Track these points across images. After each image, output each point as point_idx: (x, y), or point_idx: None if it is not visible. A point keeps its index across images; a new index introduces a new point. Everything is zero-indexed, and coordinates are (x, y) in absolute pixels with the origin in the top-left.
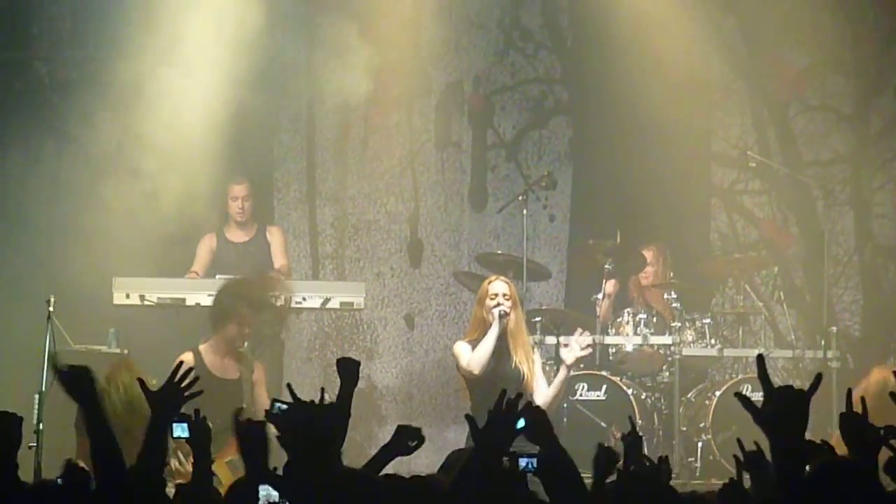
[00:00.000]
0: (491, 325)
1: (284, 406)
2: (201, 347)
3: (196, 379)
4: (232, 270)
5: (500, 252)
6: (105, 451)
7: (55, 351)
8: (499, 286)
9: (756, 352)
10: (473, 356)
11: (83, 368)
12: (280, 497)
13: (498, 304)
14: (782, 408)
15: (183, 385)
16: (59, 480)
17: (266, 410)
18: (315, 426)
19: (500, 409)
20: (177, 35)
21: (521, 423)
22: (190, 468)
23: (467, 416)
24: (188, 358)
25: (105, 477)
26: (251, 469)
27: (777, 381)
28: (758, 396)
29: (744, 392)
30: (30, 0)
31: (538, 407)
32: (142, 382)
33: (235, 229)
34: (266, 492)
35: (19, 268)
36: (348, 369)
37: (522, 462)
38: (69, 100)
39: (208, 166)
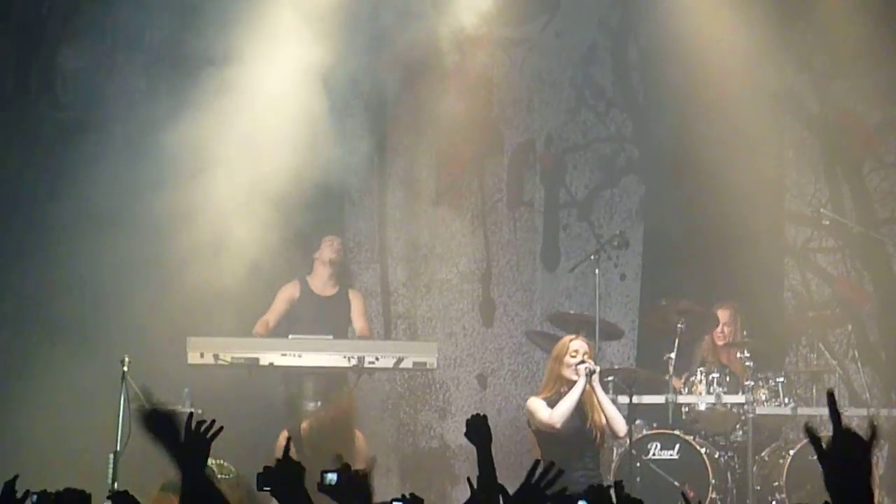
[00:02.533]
0: (569, 381)
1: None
2: (302, 425)
3: (212, 425)
4: (310, 324)
5: (572, 311)
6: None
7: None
8: (580, 345)
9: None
10: (557, 410)
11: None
12: None
13: (582, 362)
14: (845, 448)
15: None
16: None
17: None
18: None
19: (533, 479)
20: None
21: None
22: None
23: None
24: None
25: None
26: None
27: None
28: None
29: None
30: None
31: (600, 486)
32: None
33: (321, 281)
34: None
35: (94, 328)
36: (478, 429)
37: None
38: (139, 160)
39: (280, 222)
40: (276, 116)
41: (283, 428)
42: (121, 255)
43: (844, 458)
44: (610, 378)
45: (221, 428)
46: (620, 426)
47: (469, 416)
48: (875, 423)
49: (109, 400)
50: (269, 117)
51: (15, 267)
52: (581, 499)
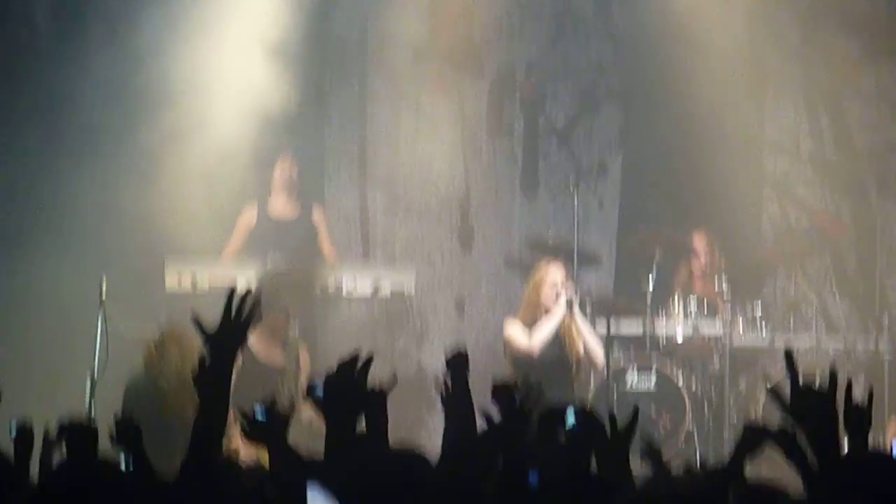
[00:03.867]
0: (547, 308)
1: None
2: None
3: (256, 304)
4: (274, 251)
5: (550, 238)
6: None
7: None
8: (557, 274)
9: (806, 341)
10: (535, 338)
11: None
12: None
13: (558, 295)
14: (808, 403)
15: (243, 316)
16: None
17: (307, 390)
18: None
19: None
20: (226, 14)
21: (570, 420)
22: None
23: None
24: None
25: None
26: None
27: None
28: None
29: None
30: None
31: (591, 412)
32: (197, 322)
33: (280, 203)
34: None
35: (72, 248)
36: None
37: (569, 419)
38: (123, 85)
39: (258, 148)
40: (258, 40)
41: None
42: (102, 173)
43: (808, 415)
44: (587, 306)
45: (258, 316)
46: (599, 356)
47: (450, 353)
48: (833, 370)
49: (88, 320)
50: (252, 42)
51: None
52: (570, 411)
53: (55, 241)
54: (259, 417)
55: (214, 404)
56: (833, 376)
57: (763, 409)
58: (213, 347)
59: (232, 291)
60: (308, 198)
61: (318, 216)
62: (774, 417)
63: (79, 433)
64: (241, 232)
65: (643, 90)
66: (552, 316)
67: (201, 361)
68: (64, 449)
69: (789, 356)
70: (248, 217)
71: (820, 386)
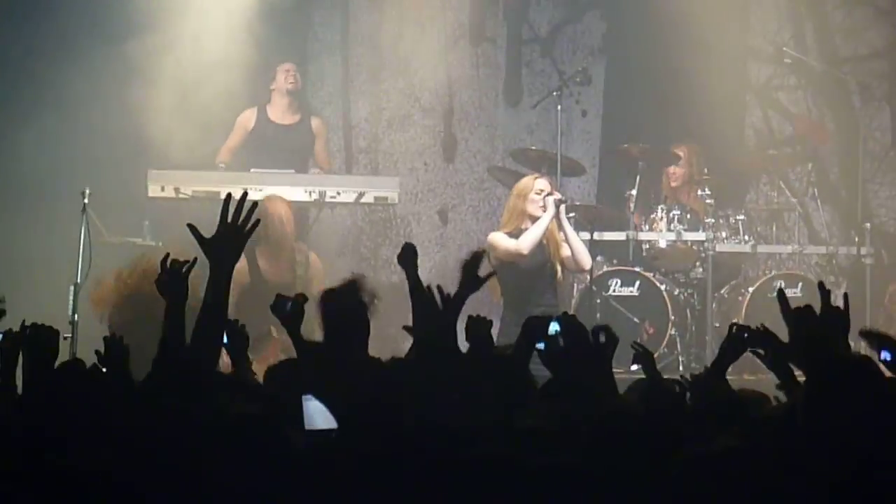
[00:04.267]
0: (532, 217)
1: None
2: (257, 249)
3: (253, 209)
4: (271, 153)
5: (534, 147)
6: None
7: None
8: (544, 183)
9: (789, 248)
10: (525, 237)
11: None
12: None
13: (550, 194)
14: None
15: (241, 222)
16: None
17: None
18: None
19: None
20: None
21: (554, 328)
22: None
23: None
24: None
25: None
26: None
27: (811, 277)
28: (791, 293)
29: (778, 288)
30: None
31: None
32: (192, 227)
33: (280, 109)
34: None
35: (55, 161)
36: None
37: (552, 328)
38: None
39: (242, 58)
40: None
41: None
42: (84, 85)
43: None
44: (572, 215)
45: (258, 221)
46: (586, 259)
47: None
48: (824, 288)
49: (70, 232)
50: None
51: None
52: (554, 321)
53: (38, 153)
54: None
55: (178, 306)
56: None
57: (745, 314)
58: (214, 252)
59: (229, 196)
60: (309, 107)
61: (317, 125)
62: (755, 323)
63: (42, 336)
64: (239, 132)
65: None
66: (542, 218)
67: (163, 265)
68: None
69: (781, 296)
70: (247, 118)
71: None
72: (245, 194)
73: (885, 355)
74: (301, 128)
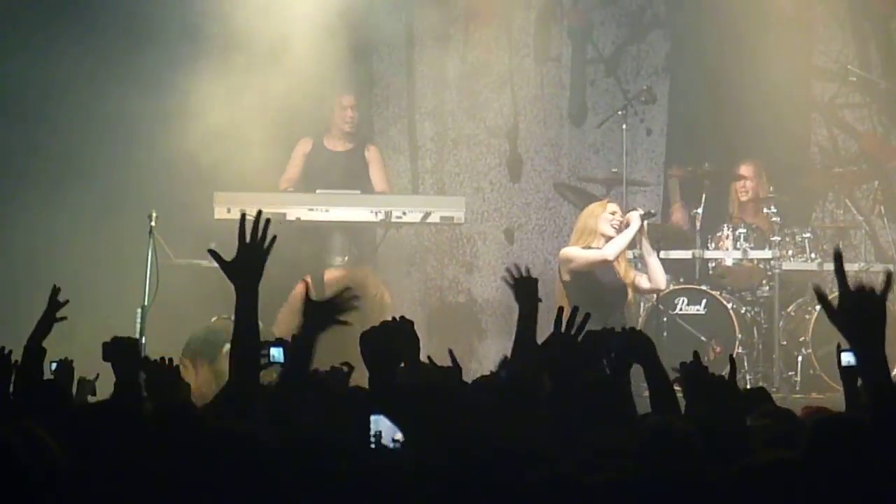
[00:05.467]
0: (604, 235)
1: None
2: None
3: (267, 226)
4: (327, 179)
5: (600, 174)
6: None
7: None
8: (616, 207)
9: (855, 266)
10: (611, 244)
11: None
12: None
13: (619, 222)
14: (857, 305)
15: (259, 240)
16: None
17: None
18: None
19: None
20: None
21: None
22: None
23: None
24: (302, 288)
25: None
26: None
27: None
28: None
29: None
30: None
31: (639, 331)
32: (213, 252)
33: (336, 139)
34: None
35: (122, 183)
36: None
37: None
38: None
39: (309, 80)
40: None
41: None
42: (150, 108)
43: (856, 315)
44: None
45: (275, 237)
46: (662, 278)
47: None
48: (891, 274)
49: (138, 255)
50: None
51: (41, 120)
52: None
53: (106, 176)
54: (276, 360)
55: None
56: (889, 277)
57: (812, 332)
58: (236, 274)
59: (243, 216)
60: (362, 135)
61: (371, 152)
62: (822, 341)
63: (124, 349)
64: (298, 160)
65: (689, 17)
66: (628, 229)
67: None
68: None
69: (838, 255)
70: (304, 146)
71: (871, 286)
72: (259, 213)
73: None
74: (355, 155)
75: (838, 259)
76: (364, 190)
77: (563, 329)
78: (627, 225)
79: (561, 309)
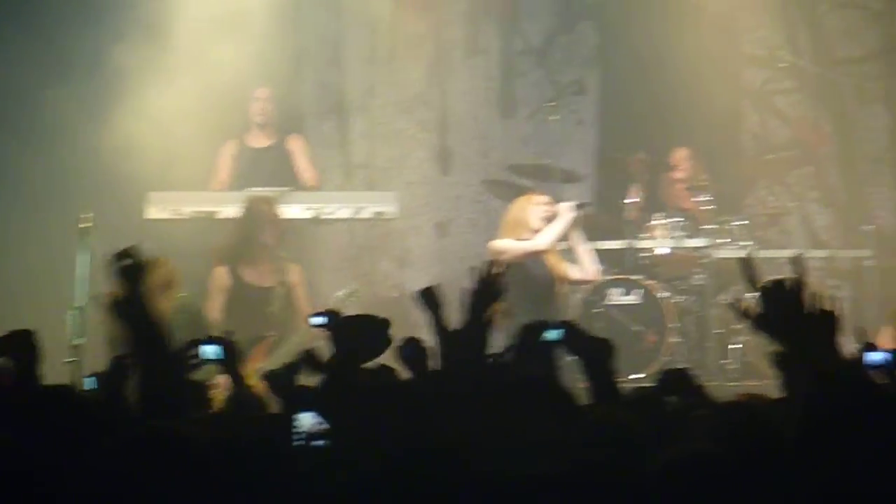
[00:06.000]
0: (533, 229)
1: (319, 320)
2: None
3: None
4: (256, 177)
5: (529, 161)
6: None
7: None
8: (546, 198)
9: (789, 252)
10: (543, 233)
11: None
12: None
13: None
14: (773, 302)
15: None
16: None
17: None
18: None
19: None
20: None
21: (554, 335)
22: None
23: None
24: (222, 271)
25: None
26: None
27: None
28: None
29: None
30: None
31: (572, 323)
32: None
33: (256, 134)
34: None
35: (53, 185)
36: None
37: (551, 334)
38: (98, 21)
39: (233, 77)
40: None
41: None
42: (79, 111)
43: (775, 313)
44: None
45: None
46: (594, 269)
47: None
48: (800, 264)
49: (68, 257)
50: None
51: None
52: (557, 328)
53: (35, 176)
54: (208, 356)
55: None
56: (799, 273)
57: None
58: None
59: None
60: (286, 128)
61: (292, 144)
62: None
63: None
64: (225, 162)
65: (618, 6)
66: (560, 220)
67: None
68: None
69: (746, 262)
70: (229, 147)
71: (787, 286)
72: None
73: (872, 357)
74: (276, 150)
75: (748, 265)
76: (293, 183)
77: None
78: (557, 216)
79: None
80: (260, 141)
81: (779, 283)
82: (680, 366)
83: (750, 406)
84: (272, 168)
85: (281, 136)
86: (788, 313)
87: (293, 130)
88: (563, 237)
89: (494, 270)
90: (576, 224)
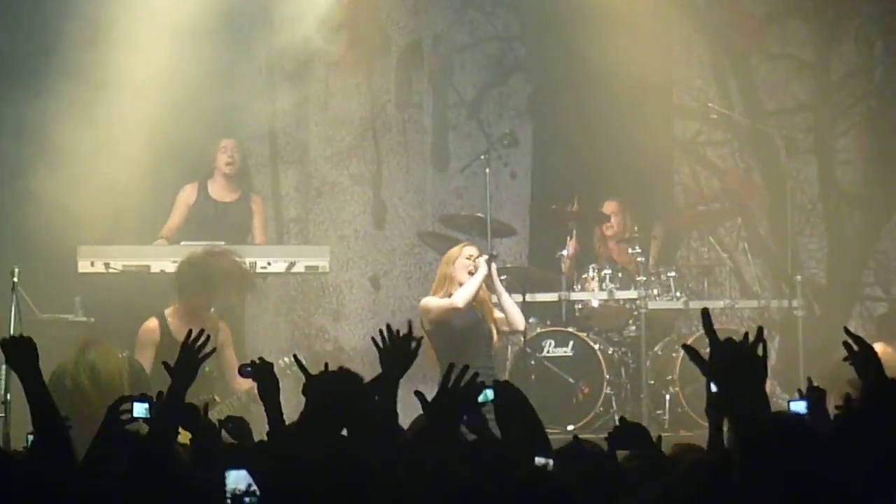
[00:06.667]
0: (462, 283)
1: (250, 369)
2: (166, 312)
3: (208, 338)
4: (211, 230)
5: (463, 213)
6: (45, 421)
7: None
8: (471, 249)
9: (721, 303)
10: (459, 292)
11: (25, 339)
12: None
13: (475, 267)
14: (727, 361)
15: (197, 347)
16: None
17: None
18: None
19: (450, 382)
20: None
21: (488, 396)
22: None
23: (416, 393)
24: (153, 325)
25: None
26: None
27: (743, 331)
28: None
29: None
30: None
31: (509, 384)
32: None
33: (221, 187)
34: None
35: None
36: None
37: (485, 395)
38: (34, 66)
39: (172, 127)
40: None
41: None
42: (9, 159)
43: (728, 367)
44: (503, 277)
45: (213, 351)
46: (519, 320)
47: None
48: (761, 329)
49: (2, 307)
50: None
51: None
52: (488, 388)
53: None
54: (138, 414)
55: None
56: (759, 332)
57: (679, 371)
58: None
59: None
60: (248, 186)
61: (256, 203)
62: (689, 380)
63: None
64: (181, 209)
65: (551, 59)
66: (475, 276)
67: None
68: None
69: (705, 314)
70: (188, 194)
71: (740, 341)
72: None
73: (797, 406)
74: (240, 206)
75: (706, 317)
76: (244, 240)
77: (451, 385)
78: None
79: (451, 366)
80: (224, 194)
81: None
82: (625, 417)
83: (692, 456)
84: (232, 223)
85: (244, 193)
86: (738, 362)
87: (250, 186)
88: (491, 289)
89: (403, 333)
90: (493, 276)
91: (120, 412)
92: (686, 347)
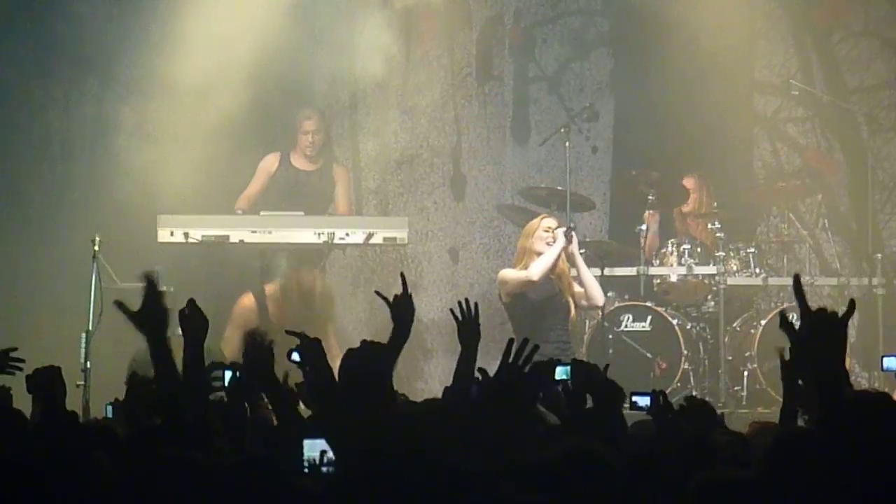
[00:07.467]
0: (539, 255)
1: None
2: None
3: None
4: (292, 199)
5: (543, 185)
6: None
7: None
8: (552, 221)
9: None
10: (535, 264)
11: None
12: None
13: (553, 238)
14: (817, 329)
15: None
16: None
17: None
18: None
19: (510, 358)
20: None
21: (562, 374)
22: None
23: (480, 369)
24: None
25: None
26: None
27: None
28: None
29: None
30: None
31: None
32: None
33: (302, 157)
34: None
35: (64, 208)
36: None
37: (559, 373)
38: (109, 38)
39: (253, 98)
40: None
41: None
42: (93, 130)
43: (817, 340)
44: (583, 251)
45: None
46: (598, 294)
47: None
48: (854, 302)
49: (81, 280)
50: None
51: None
52: (560, 364)
53: (48, 200)
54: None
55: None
56: (851, 304)
57: (757, 347)
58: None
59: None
60: (330, 155)
61: (338, 172)
62: (767, 356)
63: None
64: (261, 177)
65: (633, 34)
66: (552, 248)
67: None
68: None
69: (797, 280)
70: (270, 162)
71: (831, 311)
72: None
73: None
74: (323, 175)
75: (797, 283)
76: (325, 210)
77: (511, 360)
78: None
79: (511, 340)
80: (306, 164)
81: (825, 310)
82: (694, 393)
83: (773, 432)
84: (313, 192)
85: (327, 162)
86: (829, 331)
87: (332, 155)
88: (571, 262)
89: (473, 308)
90: (575, 250)
91: (212, 378)
92: (781, 313)
